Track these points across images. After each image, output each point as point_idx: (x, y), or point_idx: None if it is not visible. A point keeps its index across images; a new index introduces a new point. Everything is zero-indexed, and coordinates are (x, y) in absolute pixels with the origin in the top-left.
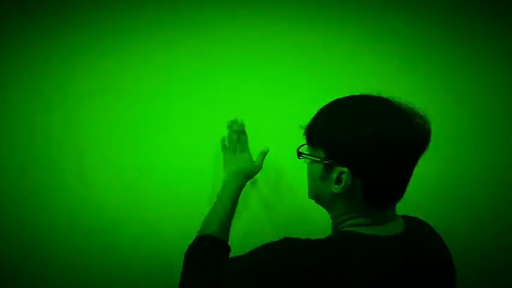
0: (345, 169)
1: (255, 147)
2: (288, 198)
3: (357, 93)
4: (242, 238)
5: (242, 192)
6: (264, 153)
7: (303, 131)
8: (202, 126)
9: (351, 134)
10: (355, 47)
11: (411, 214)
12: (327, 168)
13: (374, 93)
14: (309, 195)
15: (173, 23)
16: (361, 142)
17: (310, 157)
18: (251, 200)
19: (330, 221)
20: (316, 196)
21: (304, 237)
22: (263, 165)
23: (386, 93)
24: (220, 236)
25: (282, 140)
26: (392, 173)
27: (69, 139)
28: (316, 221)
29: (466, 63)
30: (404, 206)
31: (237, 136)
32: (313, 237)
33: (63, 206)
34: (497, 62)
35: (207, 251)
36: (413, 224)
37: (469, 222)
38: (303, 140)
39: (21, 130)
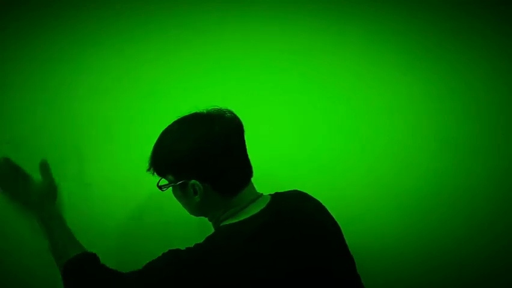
0: (193, 181)
1: (255, 147)
2: None
3: (357, 93)
4: None
5: None
6: (44, 166)
7: (151, 171)
8: None
9: (178, 153)
10: (355, 47)
11: (412, 215)
12: (183, 187)
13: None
14: (192, 215)
15: (173, 23)
16: (195, 153)
17: (169, 185)
18: None
19: None
20: (193, 212)
21: None
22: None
23: (386, 92)
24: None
25: (282, 140)
26: (230, 164)
27: (69, 139)
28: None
29: (466, 63)
30: (405, 207)
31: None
32: None
33: (62, 206)
34: (497, 62)
35: (95, 269)
36: (281, 195)
37: (468, 224)
38: (301, 144)
39: (21, 130)
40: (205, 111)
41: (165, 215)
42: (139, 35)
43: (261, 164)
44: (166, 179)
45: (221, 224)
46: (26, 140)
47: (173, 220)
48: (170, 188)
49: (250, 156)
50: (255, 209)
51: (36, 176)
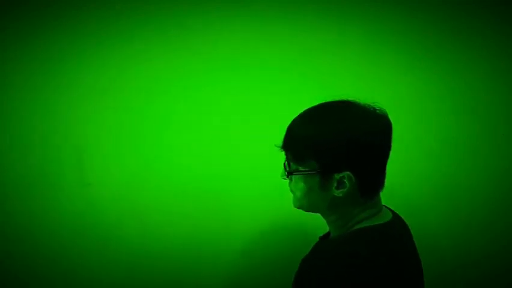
0: (346, 173)
1: (255, 147)
2: (288, 196)
3: (358, 93)
4: (244, 239)
5: (240, 193)
6: None
7: (279, 149)
8: (203, 127)
9: (345, 137)
10: (355, 47)
11: (412, 216)
12: (326, 177)
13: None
14: (297, 205)
15: (173, 23)
16: (355, 143)
17: (304, 172)
18: (251, 201)
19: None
20: (312, 206)
21: (299, 236)
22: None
23: (386, 92)
24: None
25: (281, 140)
26: (380, 166)
27: (69, 139)
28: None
29: (466, 63)
30: (405, 208)
31: None
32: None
33: (63, 206)
34: (497, 62)
35: None
36: (390, 209)
37: (468, 223)
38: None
39: (21, 130)
40: (355, 101)
41: (165, 215)
42: (138, 34)
43: (262, 164)
44: (302, 165)
45: (359, 226)
46: (26, 140)
47: (173, 220)
48: (296, 176)
49: (252, 156)
50: (387, 214)
51: (36, 175)
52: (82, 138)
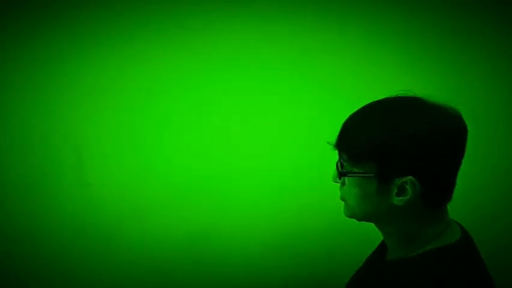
0: (409, 178)
1: (255, 147)
2: (287, 197)
3: (358, 93)
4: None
5: (241, 194)
6: None
7: (332, 147)
8: (202, 127)
9: (408, 136)
10: (355, 48)
11: None
12: (384, 181)
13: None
14: (349, 213)
15: (173, 23)
16: (422, 144)
17: (359, 174)
18: (251, 201)
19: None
20: (367, 214)
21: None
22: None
23: (386, 92)
24: None
25: (281, 140)
26: (449, 173)
27: (69, 139)
28: (322, 218)
29: (466, 63)
30: None
31: None
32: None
33: (63, 206)
34: (497, 62)
35: None
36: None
37: (468, 223)
38: (300, 139)
39: (21, 130)
40: (424, 98)
41: (165, 214)
42: (138, 34)
43: (262, 164)
44: (358, 167)
45: (427, 247)
46: (26, 140)
47: (173, 220)
48: (349, 179)
49: (252, 156)
50: (456, 231)
51: (36, 175)
52: (82, 138)
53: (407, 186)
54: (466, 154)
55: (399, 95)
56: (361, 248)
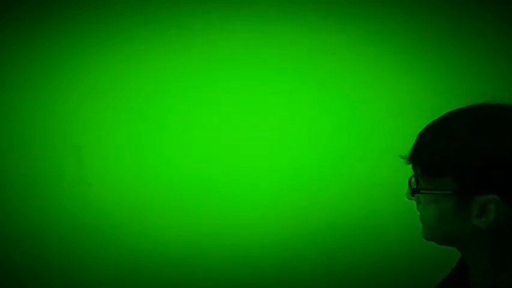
0: (492, 196)
1: (255, 147)
2: (287, 197)
3: (357, 93)
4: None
5: (240, 194)
6: None
7: (405, 161)
8: (202, 127)
9: (493, 150)
10: (355, 47)
11: (413, 215)
12: (464, 200)
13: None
14: (427, 236)
15: (173, 23)
16: (508, 158)
17: (435, 192)
18: (251, 202)
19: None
20: (447, 237)
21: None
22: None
23: (386, 92)
24: None
25: (281, 140)
26: None
27: (69, 139)
28: (322, 218)
29: (466, 63)
30: (405, 206)
31: None
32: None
33: (63, 206)
34: (497, 62)
35: None
36: None
37: None
38: (300, 139)
39: (21, 130)
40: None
41: (165, 214)
42: (138, 34)
43: (262, 164)
44: (434, 183)
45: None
46: (26, 140)
47: (172, 220)
48: (423, 196)
49: (252, 156)
50: None
51: (36, 175)
52: (82, 138)
53: (490, 206)
54: None
55: (486, 102)
56: (361, 248)
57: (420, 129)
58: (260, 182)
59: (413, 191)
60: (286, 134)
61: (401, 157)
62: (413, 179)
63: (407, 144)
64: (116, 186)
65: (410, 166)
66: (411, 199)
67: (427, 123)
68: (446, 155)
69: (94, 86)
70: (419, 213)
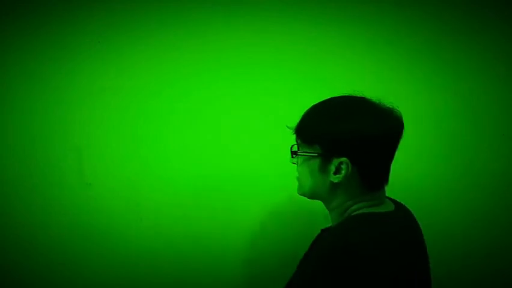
0: (344, 159)
1: (255, 147)
2: (288, 197)
3: (356, 92)
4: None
5: (242, 194)
6: None
7: (291, 131)
8: (202, 126)
9: (349, 126)
10: (355, 47)
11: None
12: (325, 161)
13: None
14: (300, 191)
15: (173, 23)
16: (359, 133)
17: (307, 154)
18: (250, 201)
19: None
20: (313, 190)
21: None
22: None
23: (386, 92)
24: None
25: (281, 140)
26: (383, 159)
27: (69, 139)
28: (313, 214)
29: (466, 63)
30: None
31: None
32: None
33: (63, 206)
34: (498, 62)
35: None
36: (396, 202)
37: (468, 223)
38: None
39: (21, 130)
40: (374, 100)
41: (165, 215)
42: (137, 35)
43: (262, 164)
44: (307, 148)
45: (356, 213)
46: (26, 140)
47: (173, 220)
48: (300, 158)
49: (250, 156)
50: (389, 206)
51: (36, 176)
52: (82, 139)
53: (342, 166)
54: (465, 154)
55: (351, 95)
56: None
57: (418, 129)
58: (260, 182)
59: (292, 153)
60: (286, 134)
61: (288, 127)
62: (294, 146)
63: (407, 144)
64: (116, 186)
65: (409, 166)
66: (293, 163)
67: (427, 123)
68: (317, 129)
69: (94, 86)
70: (297, 174)
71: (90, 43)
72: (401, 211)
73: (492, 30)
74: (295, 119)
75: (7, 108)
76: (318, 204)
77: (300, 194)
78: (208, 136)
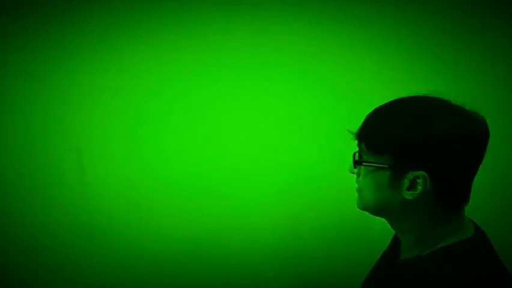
0: (421, 173)
1: (254, 147)
2: (288, 197)
3: (357, 93)
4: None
5: (242, 194)
6: None
7: (352, 136)
8: (202, 126)
9: (427, 133)
10: (355, 47)
11: None
12: (398, 175)
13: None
14: (362, 205)
15: (173, 23)
16: (439, 143)
17: (376, 165)
18: (250, 201)
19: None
20: (379, 206)
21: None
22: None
23: (386, 92)
24: None
25: (282, 140)
26: (467, 172)
27: (69, 139)
28: (314, 214)
29: (466, 63)
30: None
31: None
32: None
33: (63, 206)
34: (498, 63)
35: None
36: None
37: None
38: (299, 139)
39: (21, 130)
40: (448, 100)
41: (165, 214)
42: (137, 35)
43: (262, 164)
44: (374, 157)
45: (441, 244)
46: (26, 140)
47: (173, 220)
48: (363, 169)
49: (250, 156)
50: (470, 227)
51: (37, 176)
52: (82, 139)
53: (419, 181)
54: None
55: (426, 95)
56: (361, 248)
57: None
58: (261, 181)
59: (356, 163)
60: (286, 134)
61: (349, 132)
62: (356, 154)
63: None
64: (116, 186)
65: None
66: (353, 172)
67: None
68: (387, 134)
69: (94, 86)
70: (356, 186)
71: (90, 43)
72: (478, 231)
73: (492, 30)
74: (295, 119)
75: (7, 108)
76: (319, 204)
77: (361, 209)
78: (208, 136)
